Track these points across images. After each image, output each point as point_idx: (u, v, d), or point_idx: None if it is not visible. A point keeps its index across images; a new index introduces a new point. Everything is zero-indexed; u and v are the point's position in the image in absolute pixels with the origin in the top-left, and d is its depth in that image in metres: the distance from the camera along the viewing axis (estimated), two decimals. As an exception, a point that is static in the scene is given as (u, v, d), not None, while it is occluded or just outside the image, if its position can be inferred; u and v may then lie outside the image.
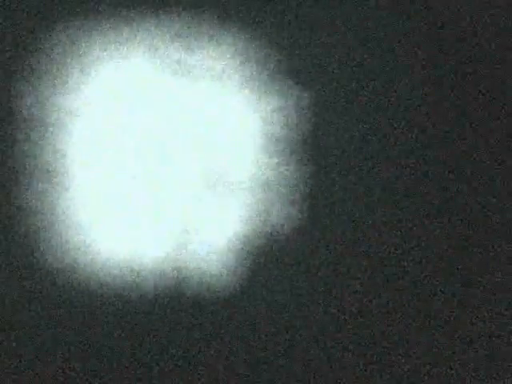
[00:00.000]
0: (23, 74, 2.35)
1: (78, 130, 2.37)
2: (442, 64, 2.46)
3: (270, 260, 2.41)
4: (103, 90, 2.38)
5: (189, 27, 2.38)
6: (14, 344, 2.33)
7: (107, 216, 2.38)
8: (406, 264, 2.44)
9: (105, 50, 2.37)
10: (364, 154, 2.44)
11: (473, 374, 2.42)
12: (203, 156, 2.41)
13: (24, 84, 2.36)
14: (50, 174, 2.36)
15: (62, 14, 2.36)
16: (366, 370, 2.40)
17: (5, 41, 2.34)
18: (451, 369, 2.42)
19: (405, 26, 2.46)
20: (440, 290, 2.43)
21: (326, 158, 2.44)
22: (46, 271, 2.36)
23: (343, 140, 2.44)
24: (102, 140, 2.39)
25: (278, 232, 2.41)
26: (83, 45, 2.37)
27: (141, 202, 2.39)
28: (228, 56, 2.40)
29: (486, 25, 2.46)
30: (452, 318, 2.43)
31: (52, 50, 2.35)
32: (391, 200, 2.44)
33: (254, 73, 2.42)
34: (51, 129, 2.35)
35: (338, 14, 2.44)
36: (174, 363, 2.37)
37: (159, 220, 2.39)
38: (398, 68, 2.46)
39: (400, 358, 2.41)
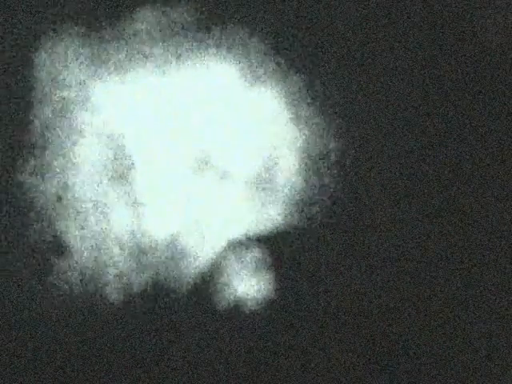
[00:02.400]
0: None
1: (80, 113, 2.37)
2: (442, 64, 2.46)
3: (266, 253, 2.40)
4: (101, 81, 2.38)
5: (190, 19, 2.38)
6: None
7: (107, 198, 2.37)
8: (406, 264, 2.43)
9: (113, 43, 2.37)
10: (364, 153, 2.44)
11: (473, 374, 2.42)
12: (202, 145, 2.41)
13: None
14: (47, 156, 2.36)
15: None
16: (366, 370, 2.40)
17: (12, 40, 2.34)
18: (451, 369, 2.42)
19: (405, 25, 2.45)
20: (440, 290, 2.43)
21: (324, 155, 2.44)
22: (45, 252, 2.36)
23: (342, 139, 2.44)
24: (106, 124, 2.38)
25: (276, 226, 2.41)
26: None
27: (142, 189, 2.39)
28: (228, 46, 2.40)
29: (486, 25, 2.46)
30: (452, 318, 2.42)
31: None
32: (391, 200, 2.44)
33: (255, 63, 2.42)
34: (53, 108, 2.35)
35: (337, 12, 2.44)
36: (177, 351, 2.36)
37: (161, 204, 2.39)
38: (398, 68, 2.46)
39: (400, 358, 2.41)
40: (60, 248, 2.35)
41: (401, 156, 2.45)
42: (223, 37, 2.41)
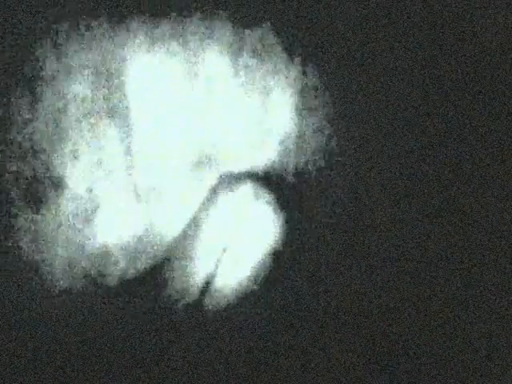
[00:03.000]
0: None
1: (77, 49, 2.34)
2: (442, 64, 2.46)
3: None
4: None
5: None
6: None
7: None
8: (406, 264, 2.44)
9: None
10: (364, 153, 2.44)
11: (473, 374, 2.42)
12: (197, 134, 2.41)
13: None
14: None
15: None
16: (366, 370, 2.40)
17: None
18: (451, 369, 2.42)
19: (405, 25, 2.46)
20: (440, 290, 2.43)
21: (324, 158, 2.44)
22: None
23: (342, 140, 2.44)
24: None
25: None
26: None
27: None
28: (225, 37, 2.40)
29: (486, 25, 2.46)
30: (452, 318, 2.43)
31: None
32: (391, 200, 2.44)
33: (255, 62, 2.42)
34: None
35: (337, 12, 2.44)
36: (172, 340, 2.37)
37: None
38: (398, 68, 2.46)
39: (400, 358, 2.41)
40: (55, 183, 2.35)
41: (401, 156, 2.45)
42: (223, 34, 2.42)
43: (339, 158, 2.43)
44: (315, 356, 2.39)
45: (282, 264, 2.40)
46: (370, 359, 2.40)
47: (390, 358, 2.40)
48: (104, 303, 2.37)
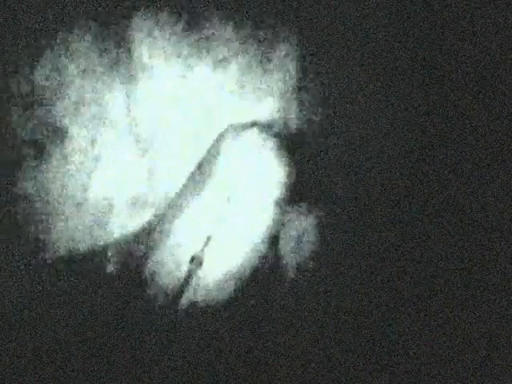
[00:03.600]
0: None
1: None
2: (442, 64, 2.46)
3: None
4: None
5: None
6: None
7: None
8: (406, 264, 2.44)
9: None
10: (364, 153, 2.44)
11: (473, 374, 2.42)
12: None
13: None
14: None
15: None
16: (366, 370, 2.40)
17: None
18: (451, 369, 2.42)
19: (405, 25, 2.46)
20: (440, 290, 2.43)
21: (324, 158, 2.44)
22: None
23: (342, 140, 2.44)
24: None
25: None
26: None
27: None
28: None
29: (486, 25, 2.46)
30: (452, 318, 2.42)
31: None
32: (391, 200, 2.44)
33: (254, 63, 2.42)
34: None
35: (337, 12, 2.44)
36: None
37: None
38: (398, 68, 2.46)
39: (400, 358, 2.41)
40: (58, 134, 2.34)
41: (401, 156, 2.45)
42: (223, 34, 2.42)
43: (339, 158, 2.43)
44: (315, 356, 2.39)
45: (285, 214, 2.38)
46: (370, 359, 2.40)
47: (389, 357, 2.40)
48: (104, 256, 2.36)
